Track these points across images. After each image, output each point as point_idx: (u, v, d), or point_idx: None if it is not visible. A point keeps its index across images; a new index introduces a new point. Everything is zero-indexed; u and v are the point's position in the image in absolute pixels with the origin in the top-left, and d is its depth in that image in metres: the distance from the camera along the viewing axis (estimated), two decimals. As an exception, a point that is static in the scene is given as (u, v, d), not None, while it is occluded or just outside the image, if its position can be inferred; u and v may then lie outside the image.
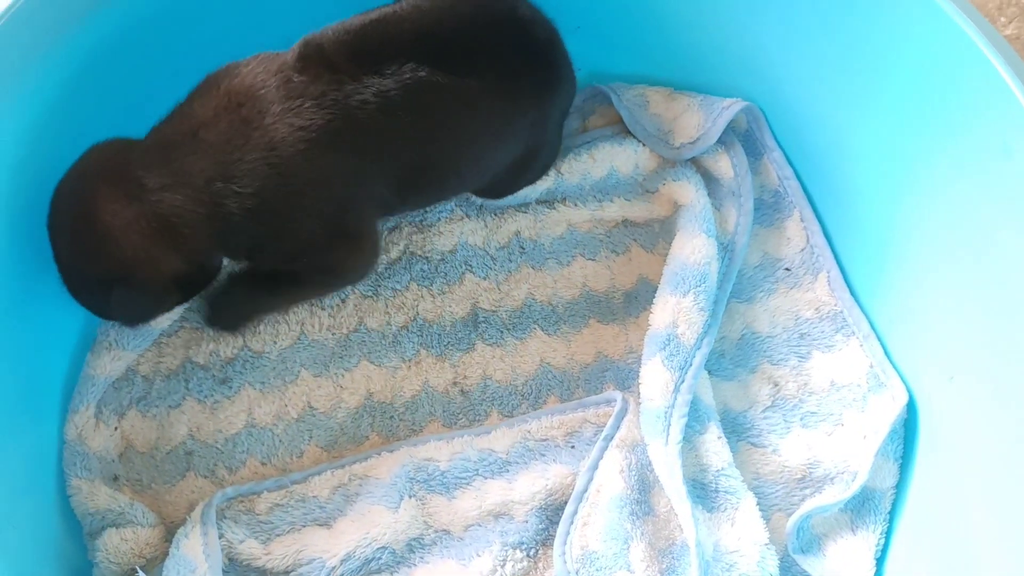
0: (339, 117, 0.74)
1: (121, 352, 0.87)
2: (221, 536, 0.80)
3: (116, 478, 0.85)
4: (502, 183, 0.92)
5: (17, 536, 0.75)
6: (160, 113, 0.78)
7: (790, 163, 0.95)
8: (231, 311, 0.89)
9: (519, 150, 0.86)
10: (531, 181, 0.94)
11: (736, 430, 0.89)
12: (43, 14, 0.75)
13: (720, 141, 0.95)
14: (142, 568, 0.79)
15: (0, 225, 0.76)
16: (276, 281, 0.85)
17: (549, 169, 0.95)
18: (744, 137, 0.97)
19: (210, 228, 0.75)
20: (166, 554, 0.80)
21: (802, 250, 0.94)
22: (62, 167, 0.76)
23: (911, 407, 0.85)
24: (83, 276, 0.76)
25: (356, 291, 0.93)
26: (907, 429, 0.85)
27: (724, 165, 0.95)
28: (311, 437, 0.89)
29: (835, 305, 0.92)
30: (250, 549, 0.81)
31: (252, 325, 0.91)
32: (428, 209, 0.96)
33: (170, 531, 0.84)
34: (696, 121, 0.95)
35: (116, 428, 0.87)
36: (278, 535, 0.83)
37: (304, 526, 0.83)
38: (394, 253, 0.95)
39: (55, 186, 0.75)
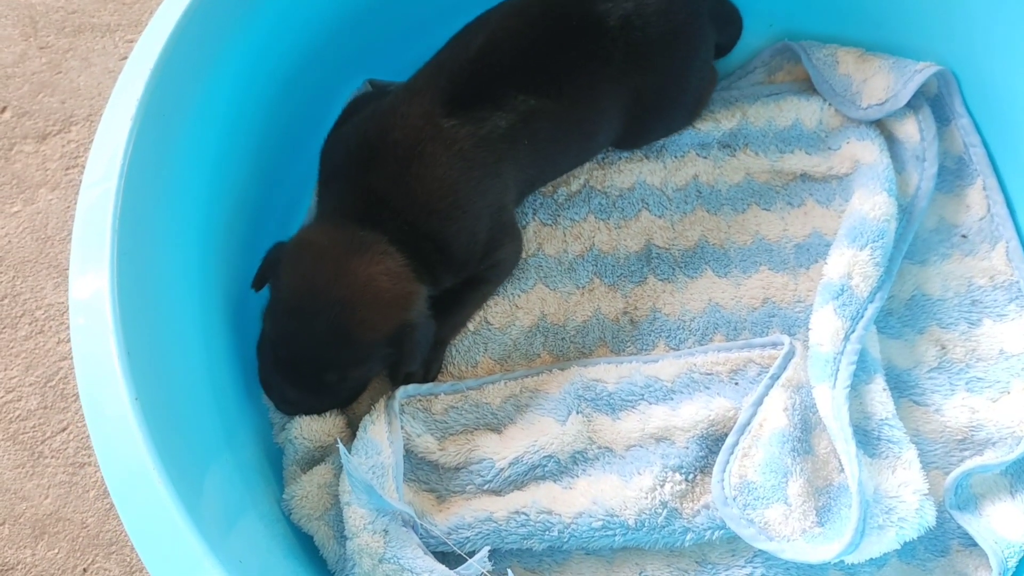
0: (484, 147, 0.85)
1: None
2: (401, 427, 0.86)
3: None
4: (638, 134, 0.99)
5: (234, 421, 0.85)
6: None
7: (978, 131, 0.95)
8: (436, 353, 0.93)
9: (624, 117, 0.93)
10: (673, 128, 1.00)
11: (899, 387, 0.90)
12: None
13: (908, 105, 0.95)
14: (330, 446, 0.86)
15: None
16: (458, 301, 0.92)
17: (695, 113, 1.00)
18: (933, 102, 0.97)
19: (425, 261, 0.85)
20: (350, 438, 0.87)
21: (981, 219, 0.94)
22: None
23: (1085, 379, 0.85)
24: (368, 352, 0.82)
25: (536, 218, 0.98)
26: (1078, 401, 0.85)
27: (911, 129, 0.96)
28: (485, 349, 0.94)
29: (1011, 275, 0.92)
30: (426, 443, 0.87)
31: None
32: (609, 148, 1.00)
33: (351, 422, 0.90)
34: (886, 83, 0.96)
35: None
36: (452, 434, 0.88)
37: (476, 428, 0.89)
38: (574, 186, 0.99)
39: (283, 304, 0.82)
